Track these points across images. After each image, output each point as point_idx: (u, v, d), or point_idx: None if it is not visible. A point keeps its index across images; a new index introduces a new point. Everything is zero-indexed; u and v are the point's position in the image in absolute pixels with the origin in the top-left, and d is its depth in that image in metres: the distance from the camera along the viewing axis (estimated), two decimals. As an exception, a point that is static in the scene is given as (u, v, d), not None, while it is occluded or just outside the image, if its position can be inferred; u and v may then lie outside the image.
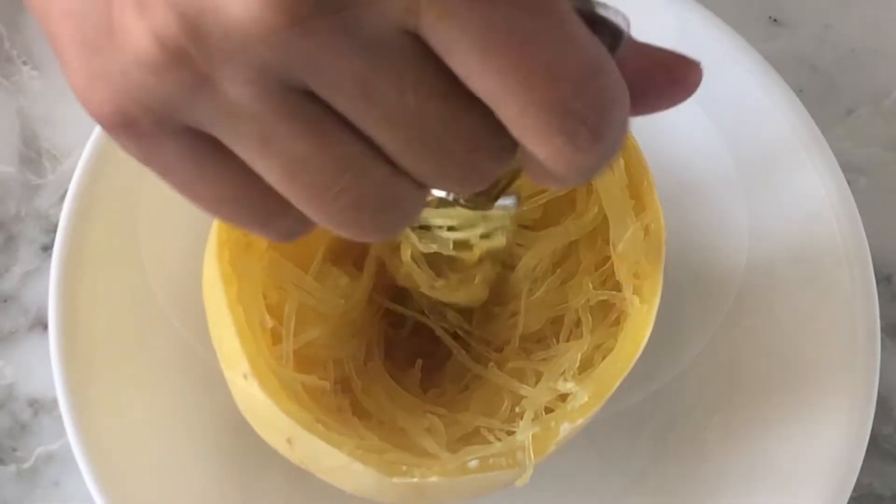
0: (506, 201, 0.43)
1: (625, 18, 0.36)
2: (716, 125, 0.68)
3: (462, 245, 0.55)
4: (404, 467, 0.53)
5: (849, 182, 0.67)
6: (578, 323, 0.61)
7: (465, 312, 0.66)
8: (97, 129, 0.65)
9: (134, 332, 0.65)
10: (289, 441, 0.54)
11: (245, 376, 0.54)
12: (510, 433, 0.56)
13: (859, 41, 0.77)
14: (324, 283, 0.61)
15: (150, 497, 0.62)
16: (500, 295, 0.64)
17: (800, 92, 0.73)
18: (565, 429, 0.55)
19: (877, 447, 0.70)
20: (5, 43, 0.75)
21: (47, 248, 0.72)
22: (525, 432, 0.55)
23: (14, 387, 0.70)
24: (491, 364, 0.62)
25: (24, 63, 0.75)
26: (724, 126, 0.68)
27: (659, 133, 0.68)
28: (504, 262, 0.63)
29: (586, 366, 0.59)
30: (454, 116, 0.33)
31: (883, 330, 0.69)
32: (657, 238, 0.58)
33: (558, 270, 0.63)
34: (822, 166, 0.67)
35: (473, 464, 0.54)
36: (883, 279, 0.73)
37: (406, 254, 0.58)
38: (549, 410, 0.57)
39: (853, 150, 0.75)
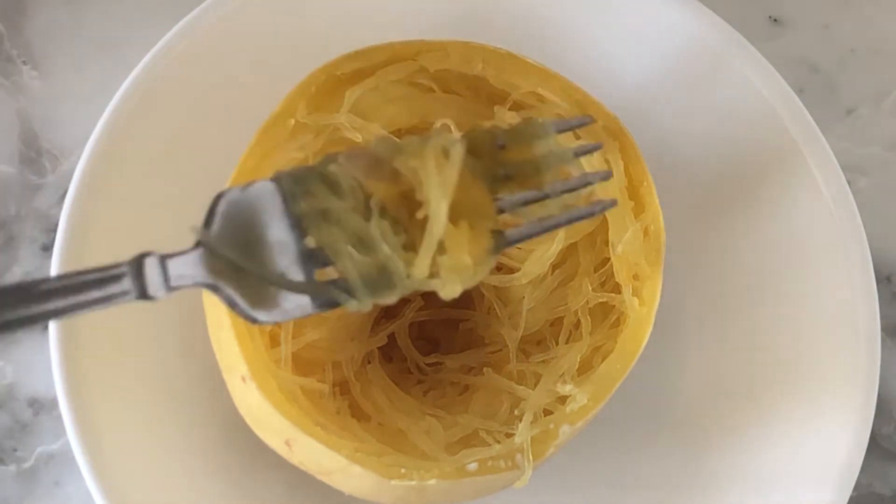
0: None
1: None
2: (716, 125, 0.68)
3: None
4: (403, 470, 0.53)
5: (849, 182, 0.66)
6: (578, 325, 0.61)
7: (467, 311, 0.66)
8: (97, 129, 0.65)
9: (134, 333, 0.65)
10: (287, 443, 0.54)
11: (243, 379, 0.54)
12: (509, 435, 0.56)
13: (859, 41, 0.77)
14: (322, 286, 0.61)
15: (149, 497, 0.62)
16: (500, 297, 0.64)
17: (800, 92, 0.73)
18: (564, 431, 0.55)
19: (877, 447, 0.70)
20: (5, 43, 0.75)
21: (47, 248, 0.72)
22: (524, 434, 0.55)
23: (14, 387, 0.70)
24: (487, 369, 0.62)
25: (24, 63, 0.75)
26: (724, 126, 0.68)
27: (659, 134, 0.68)
28: (503, 264, 0.63)
29: (585, 368, 0.59)
30: None
31: (883, 330, 0.69)
32: (657, 239, 0.58)
33: (557, 272, 0.63)
34: (822, 166, 0.67)
35: (472, 466, 0.54)
36: (883, 279, 0.73)
37: None
38: (548, 412, 0.57)
39: (853, 150, 0.75)
